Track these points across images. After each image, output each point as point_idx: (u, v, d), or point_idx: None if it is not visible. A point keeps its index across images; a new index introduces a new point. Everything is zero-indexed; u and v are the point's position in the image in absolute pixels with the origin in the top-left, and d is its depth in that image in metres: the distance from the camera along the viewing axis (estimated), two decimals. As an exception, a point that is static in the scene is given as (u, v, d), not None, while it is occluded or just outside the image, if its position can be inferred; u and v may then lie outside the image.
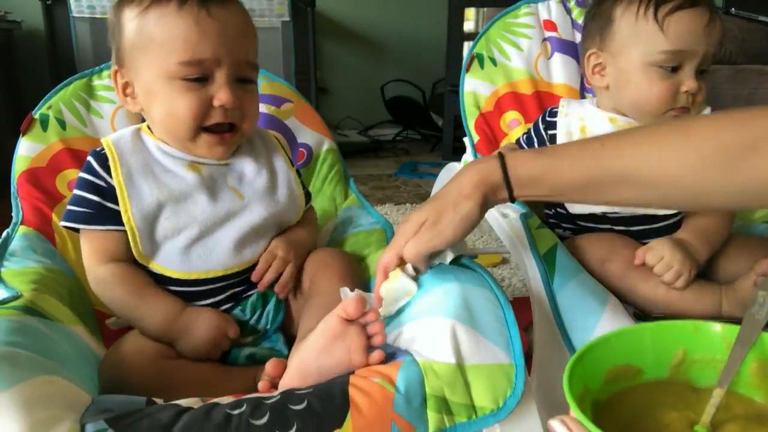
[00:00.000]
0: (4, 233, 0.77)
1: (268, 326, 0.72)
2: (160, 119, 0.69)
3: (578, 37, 1.10)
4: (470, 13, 3.14)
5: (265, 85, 1.01)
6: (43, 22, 2.17)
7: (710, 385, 0.40)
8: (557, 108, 0.91)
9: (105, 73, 0.93)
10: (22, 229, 0.78)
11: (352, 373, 0.55)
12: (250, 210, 0.72)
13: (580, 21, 1.10)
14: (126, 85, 0.71)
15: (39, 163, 0.84)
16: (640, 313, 0.78)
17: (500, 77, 1.06)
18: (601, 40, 0.86)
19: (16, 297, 0.60)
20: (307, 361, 0.57)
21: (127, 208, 0.67)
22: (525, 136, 0.95)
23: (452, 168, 1.12)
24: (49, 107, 0.87)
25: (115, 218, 0.67)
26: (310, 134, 1.02)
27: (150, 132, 0.72)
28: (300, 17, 2.37)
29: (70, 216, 0.68)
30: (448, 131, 2.84)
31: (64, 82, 0.90)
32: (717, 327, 0.42)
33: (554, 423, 0.36)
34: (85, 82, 0.91)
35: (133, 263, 0.68)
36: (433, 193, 1.26)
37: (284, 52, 2.38)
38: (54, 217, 0.81)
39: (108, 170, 0.68)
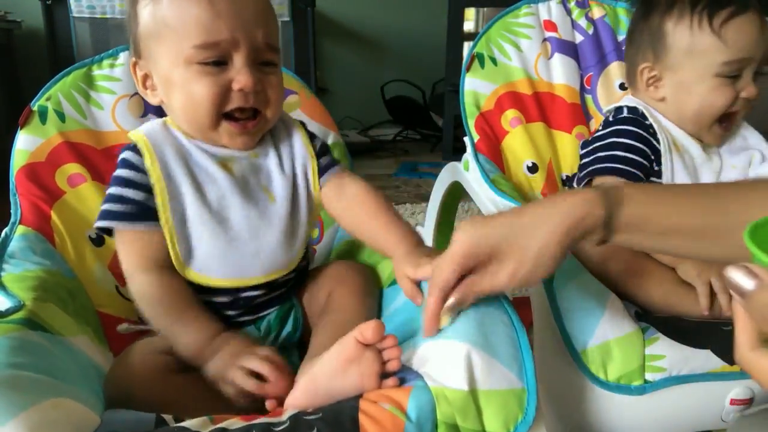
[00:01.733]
0: (3, 233, 0.75)
1: (284, 342, 0.71)
2: (180, 107, 0.66)
3: (578, 38, 1.10)
4: (470, 13, 3.14)
5: None
6: (43, 22, 2.17)
7: None
8: (634, 106, 0.89)
9: (105, 62, 0.88)
10: (20, 229, 0.76)
11: (361, 396, 0.54)
12: (283, 211, 0.69)
13: (580, 21, 1.11)
14: (145, 77, 0.68)
15: (38, 157, 0.80)
16: (641, 312, 0.78)
17: (500, 77, 1.06)
18: (655, 54, 0.87)
19: (18, 308, 0.59)
20: (318, 382, 0.56)
21: (166, 207, 0.64)
22: (618, 143, 0.87)
23: (453, 167, 1.12)
24: (48, 98, 0.83)
25: (155, 217, 0.64)
26: (315, 127, 0.98)
27: (176, 125, 0.69)
28: (300, 17, 2.37)
29: (107, 215, 0.64)
30: (448, 131, 2.84)
31: (63, 71, 0.86)
32: None
33: (734, 272, 0.33)
34: (84, 71, 0.87)
35: (173, 272, 0.65)
36: (432, 193, 1.26)
37: (284, 52, 2.37)
38: (53, 215, 0.78)
39: (144, 165, 0.65)
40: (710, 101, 0.83)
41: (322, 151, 0.74)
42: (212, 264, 0.65)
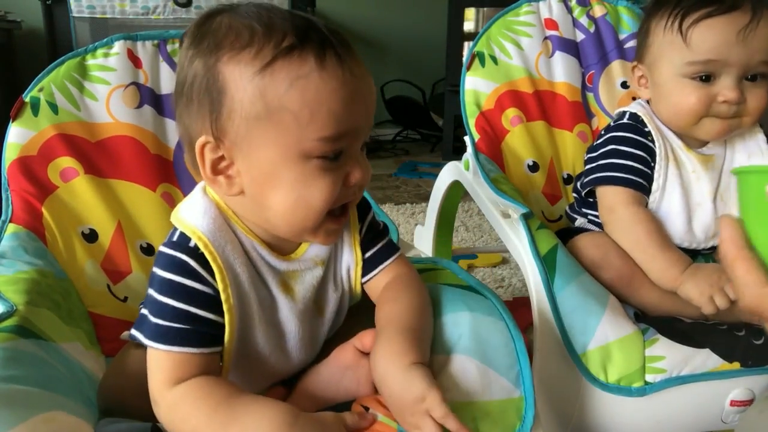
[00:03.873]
0: None
1: None
2: (282, 209, 0.52)
3: (579, 36, 1.10)
4: (470, 13, 3.13)
5: None
6: (43, 22, 2.17)
7: None
8: (635, 112, 0.86)
9: (99, 51, 0.85)
10: (11, 228, 0.74)
11: (354, 400, 0.54)
12: (328, 324, 0.63)
13: (581, 20, 1.10)
14: (220, 161, 0.52)
15: (30, 151, 0.78)
16: (640, 313, 0.78)
17: (501, 76, 1.06)
18: (642, 53, 0.86)
19: (10, 313, 0.58)
20: (315, 386, 0.56)
21: (233, 327, 0.53)
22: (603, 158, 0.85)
23: (453, 167, 1.11)
24: (40, 89, 0.81)
25: (211, 336, 0.52)
26: None
27: (241, 224, 0.56)
28: (300, 17, 2.36)
29: (155, 333, 0.51)
30: (448, 131, 2.84)
31: (56, 61, 0.83)
32: None
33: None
34: (78, 61, 0.83)
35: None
36: (432, 193, 1.26)
37: (284, 52, 2.37)
38: (45, 212, 0.76)
39: (211, 272, 0.52)
40: (678, 103, 0.80)
41: (369, 239, 0.63)
42: (249, 378, 0.58)
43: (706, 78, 0.78)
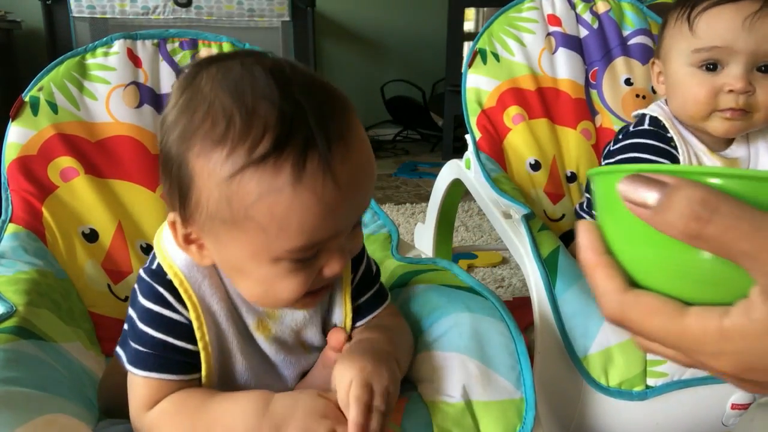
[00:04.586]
0: None
1: None
2: (250, 295, 0.52)
3: (583, 33, 1.09)
4: (470, 13, 3.13)
5: None
6: (43, 22, 2.17)
7: None
8: (656, 117, 0.84)
9: (99, 50, 0.85)
10: (11, 228, 0.74)
11: None
12: (313, 358, 0.59)
13: (585, 16, 1.10)
14: (190, 235, 0.50)
15: (29, 150, 0.77)
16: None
17: (503, 73, 1.05)
18: (658, 48, 0.85)
19: (10, 314, 0.58)
20: (302, 385, 0.57)
21: (210, 361, 0.52)
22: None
23: (454, 165, 1.11)
24: (40, 89, 0.80)
25: (191, 364, 0.52)
26: None
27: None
28: (300, 17, 2.36)
29: (134, 358, 0.51)
30: (448, 131, 2.84)
31: (56, 61, 0.83)
32: None
33: (630, 185, 0.27)
34: (77, 60, 0.83)
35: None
36: (433, 191, 1.26)
37: (284, 52, 2.37)
38: (45, 212, 0.76)
39: (182, 302, 0.52)
40: (685, 93, 0.79)
41: (360, 287, 0.60)
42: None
43: (713, 67, 0.76)
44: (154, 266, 0.53)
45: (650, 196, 0.27)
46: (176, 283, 0.51)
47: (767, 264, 0.24)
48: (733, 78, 0.75)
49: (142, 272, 0.53)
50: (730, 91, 0.75)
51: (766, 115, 0.77)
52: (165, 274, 0.52)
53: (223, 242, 0.48)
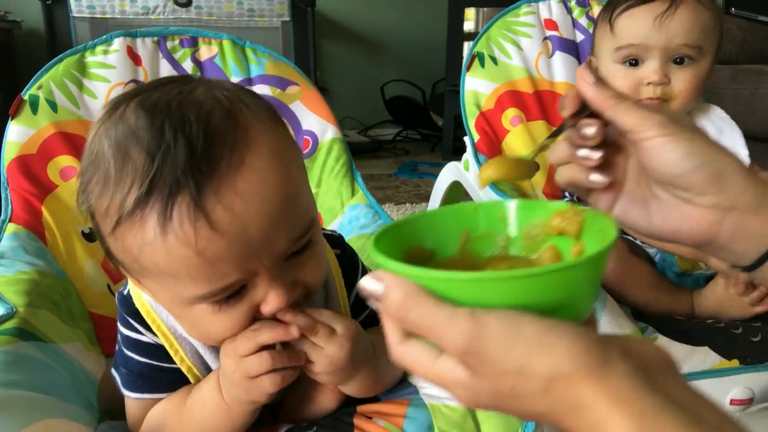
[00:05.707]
0: None
1: None
2: (189, 334, 0.51)
3: (579, 36, 1.11)
4: (470, 13, 3.14)
5: (269, 65, 0.95)
6: (43, 22, 2.17)
7: (495, 254, 0.40)
8: None
9: (98, 48, 0.84)
10: (11, 227, 0.73)
11: (355, 411, 0.53)
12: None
13: (581, 20, 1.11)
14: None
15: (29, 149, 0.77)
16: (638, 312, 0.79)
17: (501, 76, 1.06)
18: (592, 47, 0.92)
19: (11, 315, 0.58)
20: (299, 402, 0.56)
21: (193, 372, 0.52)
22: None
23: (453, 167, 1.12)
24: (39, 87, 0.80)
25: (180, 380, 0.52)
26: (315, 120, 0.96)
27: None
28: (300, 17, 2.36)
29: (126, 381, 0.52)
30: (448, 131, 2.84)
31: (55, 58, 0.82)
32: (498, 205, 0.41)
33: (363, 282, 0.33)
34: (77, 58, 0.83)
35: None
36: (432, 193, 1.26)
37: (284, 52, 2.38)
38: (44, 211, 0.75)
39: (147, 326, 0.51)
40: (614, 86, 0.82)
41: (359, 303, 0.59)
42: None
43: (635, 63, 0.84)
44: (125, 292, 0.53)
45: (376, 289, 0.32)
46: (143, 314, 0.51)
47: (449, 347, 0.30)
48: (650, 71, 0.82)
49: (118, 298, 0.53)
50: (649, 83, 0.82)
51: (682, 102, 0.84)
52: (134, 304, 0.52)
53: (147, 287, 0.46)
